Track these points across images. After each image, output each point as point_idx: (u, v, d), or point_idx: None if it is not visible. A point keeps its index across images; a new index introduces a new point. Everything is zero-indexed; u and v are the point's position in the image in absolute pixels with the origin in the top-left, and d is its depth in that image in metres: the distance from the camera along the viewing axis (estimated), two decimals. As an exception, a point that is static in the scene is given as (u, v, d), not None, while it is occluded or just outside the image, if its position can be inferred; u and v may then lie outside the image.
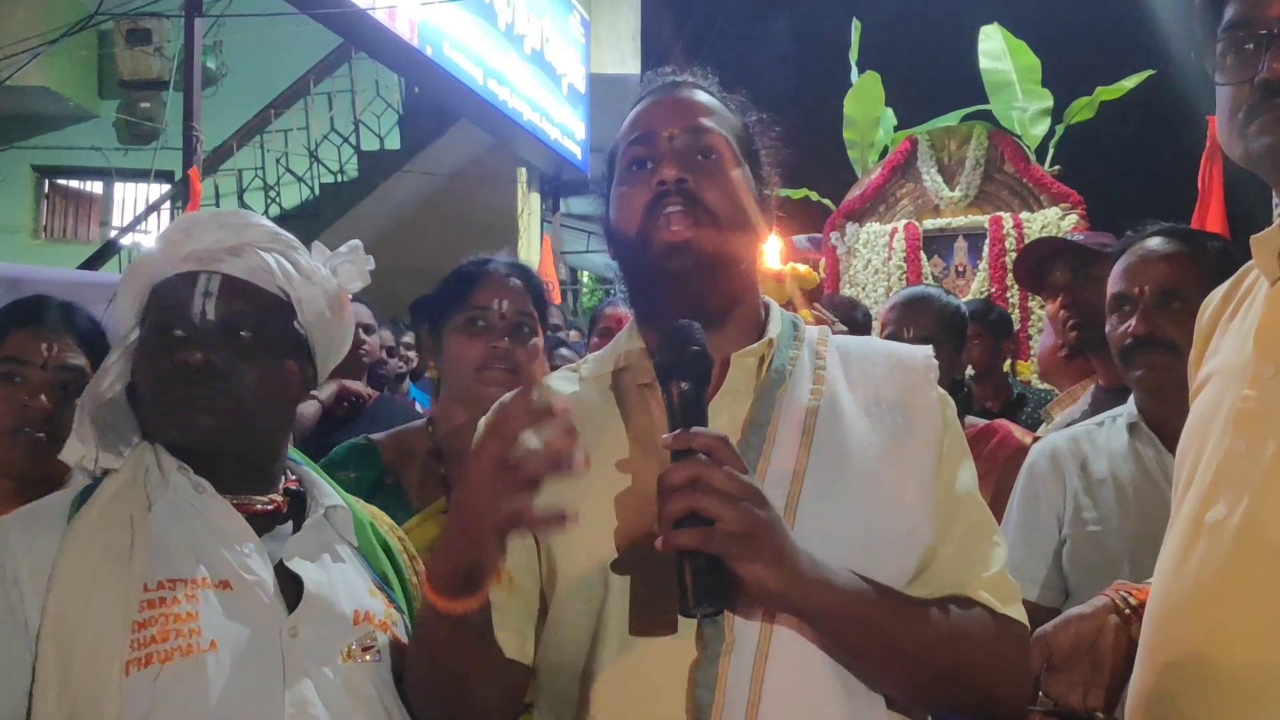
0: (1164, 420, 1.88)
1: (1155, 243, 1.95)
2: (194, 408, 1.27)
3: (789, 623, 1.11)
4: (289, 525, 1.35)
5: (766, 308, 1.33)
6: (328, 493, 1.40)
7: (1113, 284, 1.97)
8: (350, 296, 1.46)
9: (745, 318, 1.29)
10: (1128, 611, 1.37)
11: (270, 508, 1.35)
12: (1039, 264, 2.91)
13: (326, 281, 1.40)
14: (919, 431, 1.23)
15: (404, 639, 1.33)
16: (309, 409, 3.77)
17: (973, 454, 2.65)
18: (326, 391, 3.87)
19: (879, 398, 1.25)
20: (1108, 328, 1.98)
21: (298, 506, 1.38)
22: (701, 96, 1.31)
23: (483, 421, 1.19)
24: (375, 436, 2.10)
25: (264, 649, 1.21)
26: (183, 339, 1.29)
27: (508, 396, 1.07)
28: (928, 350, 1.32)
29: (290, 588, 1.27)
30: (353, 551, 1.38)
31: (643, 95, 1.34)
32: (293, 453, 1.43)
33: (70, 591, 1.17)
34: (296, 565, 1.29)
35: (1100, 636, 1.36)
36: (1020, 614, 1.22)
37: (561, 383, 1.35)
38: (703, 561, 1.00)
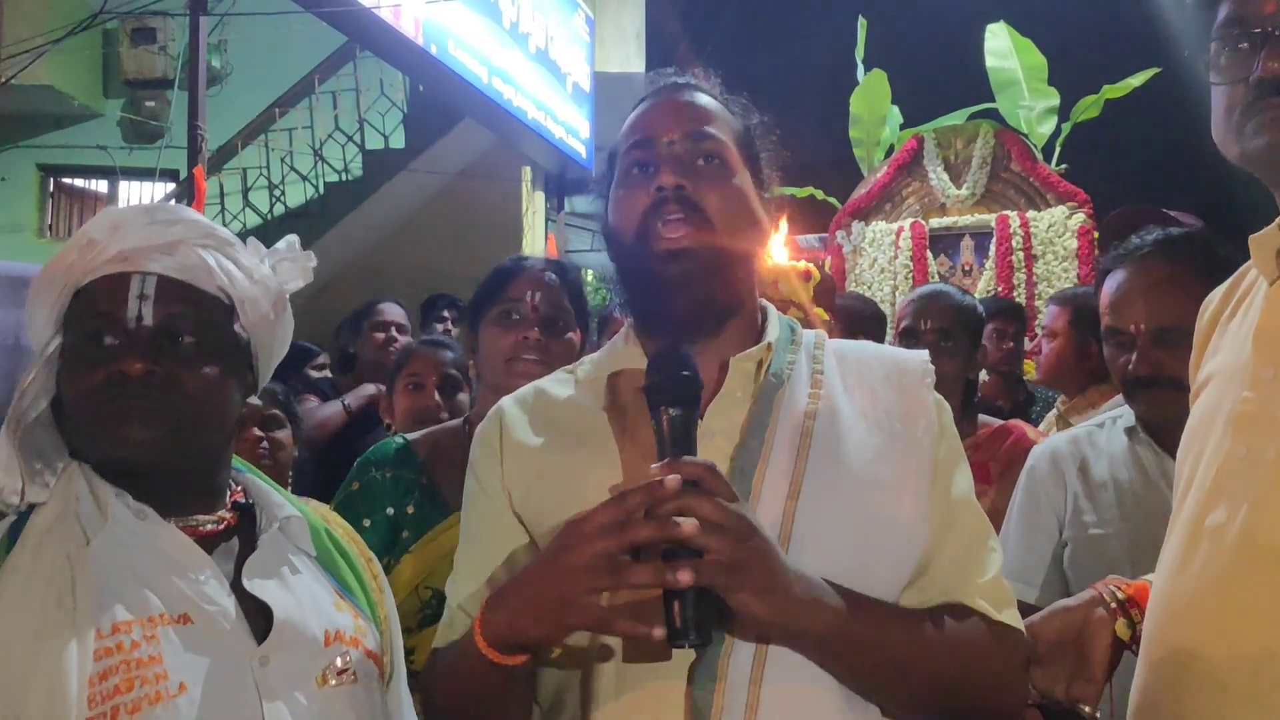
0: (1160, 425, 1.86)
1: (1146, 268, 1.84)
2: (131, 420, 1.15)
3: None
4: (235, 541, 1.25)
5: (764, 311, 1.32)
6: (279, 503, 1.30)
7: (1104, 311, 1.90)
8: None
9: (744, 322, 1.28)
10: (1114, 605, 1.36)
11: (220, 527, 1.25)
12: (1127, 231, 2.84)
13: (268, 280, 1.29)
14: (915, 437, 1.23)
15: (375, 650, 1.28)
16: (334, 415, 3.75)
17: (988, 454, 2.63)
18: (358, 398, 3.85)
19: (876, 402, 1.25)
20: (1105, 353, 1.93)
21: (247, 520, 1.28)
22: (704, 100, 1.30)
23: (603, 509, 1.03)
24: (410, 436, 2.08)
25: (237, 683, 1.13)
26: (116, 347, 1.17)
27: (632, 490, 1.02)
28: (924, 355, 1.31)
29: (252, 610, 1.18)
30: (311, 562, 1.29)
31: (644, 96, 1.33)
32: (237, 462, 1.34)
33: (12, 645, 1.06)
34: (256, 587, 1.19)
35: (1085, 628, 1.35)
36: (1015, 620, 1.22)
37: (556, 385, 1.34)
38: (692, 593, 0.99)
